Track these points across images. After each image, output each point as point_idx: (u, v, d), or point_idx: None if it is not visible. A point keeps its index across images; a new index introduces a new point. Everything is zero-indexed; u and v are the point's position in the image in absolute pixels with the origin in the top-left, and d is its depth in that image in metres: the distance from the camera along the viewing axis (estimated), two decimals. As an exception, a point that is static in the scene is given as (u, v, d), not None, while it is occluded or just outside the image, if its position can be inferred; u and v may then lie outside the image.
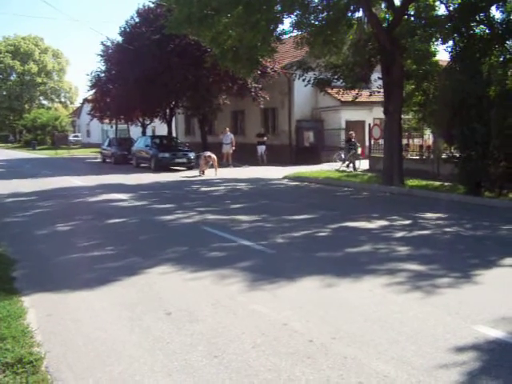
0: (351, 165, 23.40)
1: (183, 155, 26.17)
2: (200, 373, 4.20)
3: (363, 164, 23.48)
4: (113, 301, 6.04)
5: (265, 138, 28.57)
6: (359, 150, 23.50)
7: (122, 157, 30.96)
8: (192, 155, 26.06)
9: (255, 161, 28.13)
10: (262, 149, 28.47)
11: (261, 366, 4.27)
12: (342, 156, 24.36)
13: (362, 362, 4.30)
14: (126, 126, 46.00)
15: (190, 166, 25.72)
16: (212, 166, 22.99)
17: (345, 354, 4.46)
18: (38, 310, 5.73)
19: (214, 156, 23.05)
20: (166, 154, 25.93)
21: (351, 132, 24.48)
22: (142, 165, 27.62)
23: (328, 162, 26.55)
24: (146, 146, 27.78)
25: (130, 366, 4.35)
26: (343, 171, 22.15)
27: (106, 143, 34.77)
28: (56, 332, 5.12)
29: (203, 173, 22.59)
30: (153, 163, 26.00)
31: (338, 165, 24.07)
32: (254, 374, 4.15)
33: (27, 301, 5.97)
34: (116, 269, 7.37)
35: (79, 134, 70.49)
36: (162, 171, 24.56)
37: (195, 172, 23.29)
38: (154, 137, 32.00)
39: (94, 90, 35.40)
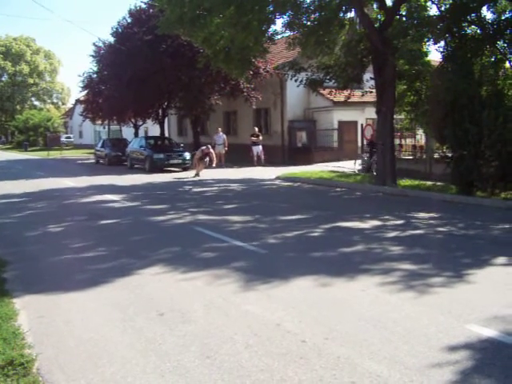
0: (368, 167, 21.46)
1: (178, 156, 25.85)
2: (192, 373, 4.18)
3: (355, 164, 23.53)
4: (105, 302, 6.01)
5: (260, 138, 28.30)
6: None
7: (115, 158, 30.69)
8: (187, 156, 25.77)
9: (248, 161, 28.05)
10: (257, 149, 28.11)
11: (253, 367, 4.26)
12: (365, 159, 22.18)
13: (354, 362, 4.30)
14: (118, 126, 45.92)
15: (185, 167, 25.46)
16: (211, 162, 23.00)
17: (338, 353, 4.46)
18: (30, 311, 5.70)
19: (211, 150, 23.11)
20: (161, 155, 25.64)
21: (372, 133, 22.97)
22: (137, 166, 27.42)
23: (322, 162, 26.59)
24: (141, 146, 27.47)
25: (122, 368, 4.32)
26: (358, 173, 21.34)
27: (100, 144, 34.30)
28: (47, 334, 5.09)
29: (198, 174, 22.37)
30: (147, 164, 25.75)
31: (340, 165, 23.94)
32: (247, 375, 4.13)
33: (18, 302, 5.94)
34: (108, 270, 7.34)
35: (71, 135, 70.28)
36: (156, 172, 24.41)
37: (190, 173, 23.21)
38: (148, 137, 31.45)
39: (86, 91, 35.31)
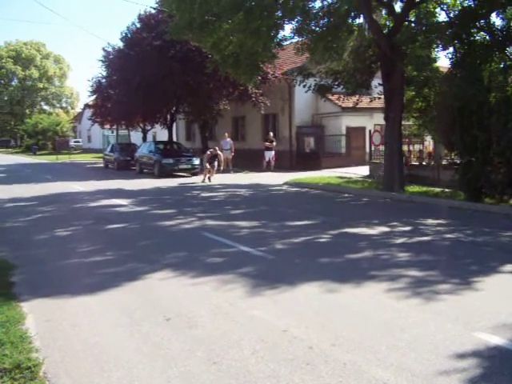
0: None
1: (187, 161, 25.73)
2: (199, 379, 4.18)
3: (363, 170, 23.51)
4: (112, 306, 6.02)
5: (274, 144, 27.89)
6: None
7: (124, 162, 30.56)
8: (196, 161, 25.61)
9: (256, 167, 27.98)
10: (270, 155, 27.73)
11: (260, 373, 4.25)
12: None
13: (361, 369, 4.28)
14: (126, 131, 46.09)
15: (194, 172, 25.34)
16: (219, 165, 23.03)
17: (344, 360, 4.45)
18: (37, 315, 5.71)
19: (219, 152, 23.15)
20: (170, 160, 25.47)
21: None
22: (146, 171, 27.24)
23: (329, 168, 26.54)
24: (150, 151, 27.31)
25: (129, 372, 4.33)
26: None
27: (109, 148, 34.21)
28: (54, 337, 5.10)
29: (209, 179, 22.14)
30: (156, 169, 25.58)
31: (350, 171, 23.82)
32: (253, 381, 4.13)
33: (26, 306, 5.96)
34: (115, 274, 7.35)
35: (80, 140, 70.64)
36: (165, 177, 24.27)
37: (198, 178, 23.17)
38: (157, 142, 31.03)
39: (95, 96, 35.44)
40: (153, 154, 26.80)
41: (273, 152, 27.80)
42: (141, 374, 4.29)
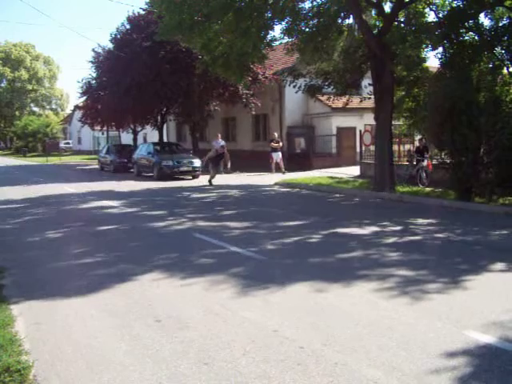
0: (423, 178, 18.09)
1: (188, 163, 24.76)
2: (190, 380, 4.17)
3: (354, 170, 23.57)
4: (102, 308, 5.99)
5: (280, 144, 26.78)
6: (425, 162, 18.10)
7: (121, 165, 29.75)
8: (197, 163, 24.61)
9: (248, 167, 27.77)
10: (277, 156, 26.44)
11: (251, 373, 4.24)
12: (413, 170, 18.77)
13: (352, 369, 4.29)
14: (117, 132, 45.93)
15: (195, 175, 24.58)
16: (225, 165, 22.70)
17: (335, 360, 4.45)
18: (27, 317, 5.68)
19: (225, 151, 22.66)
20: (170, 162, 24.55)
21: (421, 137, 19.95)
22: (144, 173, 26.36)
23: (320, 168, 26.59)
24: (149, 153, 26.33)
25: (120, 374, 4.31)
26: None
27: (105, 150, 33.21)
28: (44, 340, 5.07)
29: (210, 182, 20.99)
30: (155, 172, 24.73)
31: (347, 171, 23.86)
32: (244, 382, 4.12)
33: (16, 309, 5.92)
34: (106, 276, 7.32)
35: (70, 141, 70.35)
36: (165, 180, 23.47)
37: (200, 180, 22.63)
38: (156, 143, 29.44)
39: (85, 97, 35.30)
40: (151, 155, 25.86)
41: (280, 153, 26.51)
42: (132, 376, 4.27)
